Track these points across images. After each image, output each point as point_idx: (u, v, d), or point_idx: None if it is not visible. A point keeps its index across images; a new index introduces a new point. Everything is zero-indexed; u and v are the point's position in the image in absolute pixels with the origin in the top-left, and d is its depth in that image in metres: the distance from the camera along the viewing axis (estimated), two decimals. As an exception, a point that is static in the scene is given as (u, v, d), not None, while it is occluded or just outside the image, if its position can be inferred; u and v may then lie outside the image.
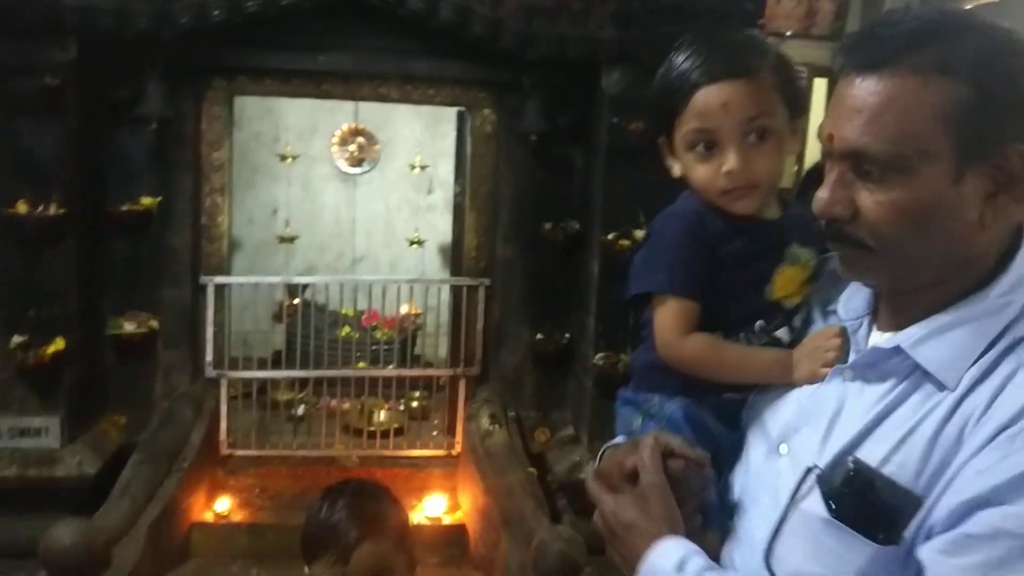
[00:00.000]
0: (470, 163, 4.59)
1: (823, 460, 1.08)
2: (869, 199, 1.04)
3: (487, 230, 4.59)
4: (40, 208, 3.83)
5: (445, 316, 5.06)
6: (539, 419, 4.62)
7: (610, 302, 4.19)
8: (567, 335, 4.53)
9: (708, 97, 1.32)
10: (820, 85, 7.72)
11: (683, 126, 1.37)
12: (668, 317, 1.39)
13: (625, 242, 4.11)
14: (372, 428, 4.84)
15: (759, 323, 1.36)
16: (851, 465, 1.04)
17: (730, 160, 1.32)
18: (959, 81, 0.99)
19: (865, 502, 1.01)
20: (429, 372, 5.14)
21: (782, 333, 1.36)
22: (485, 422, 4.42)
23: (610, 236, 4.14)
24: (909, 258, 1.05)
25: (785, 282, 1.36)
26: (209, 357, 4.41)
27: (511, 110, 4.43)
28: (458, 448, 4.64)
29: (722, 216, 1.38)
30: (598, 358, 4.20)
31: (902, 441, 1.02)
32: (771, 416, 1.26)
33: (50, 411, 4.00)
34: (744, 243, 1.37)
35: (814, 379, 1.22)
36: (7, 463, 3.94)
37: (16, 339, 3.89)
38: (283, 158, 5.53)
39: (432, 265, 6.17)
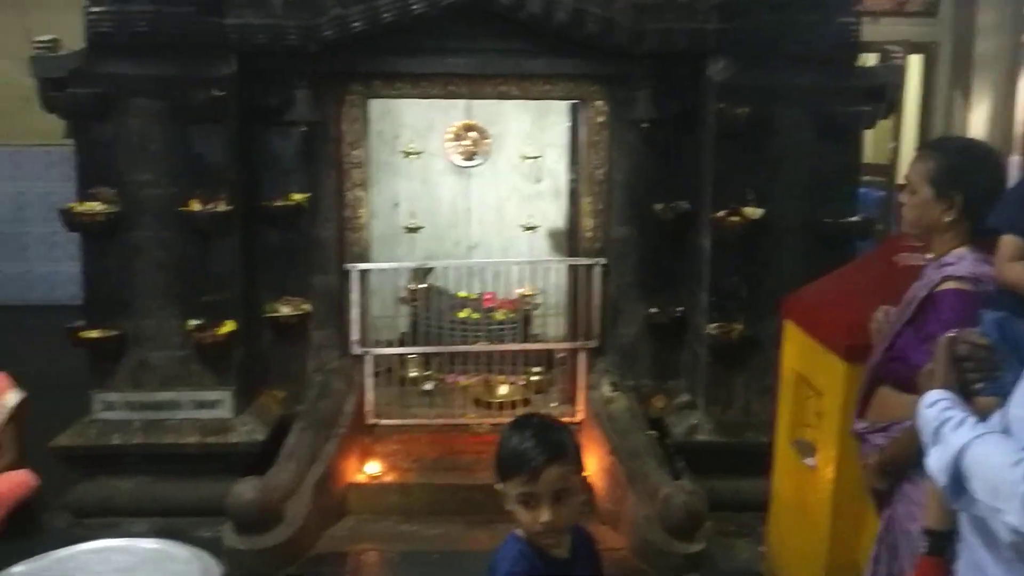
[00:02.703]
0: (584, 151, 4.95)
1: None
2: None
3: (601, 213, 4.94)
4: (210, 205, 4.34)
5: (560, 296, 5.43)
6: (655, 387, 4.97)
7: (723, 275, 4.51)
8: (680, 308, 4.85)
9: None
10: (915, 61, 7.85)
11: None
12: (1003, 247, 1.96)
13: (735, 219, 4.41)
14: (497, 400, 5.27)
15: None
16: None
17: None
18: None
19: None
20: (552, 345, 5.53)
21: None
22: (606, 390, 4.78)
23: (720, 214, 4.45)
24: None
25: None
26: (355, 336, 4.87)
27: (622, 100, 4.77)
28: (580, 415, 5.01)
29: None
30: (712, 328, 4.52)
31: None
32: None
33: (223, 385, 4.53)
34: None
35: None
36: (189, 431, 4.48)
37: (192, 322, 4.42)
38: (406, 154, 5.98)
39: (542, 249, 6.54)
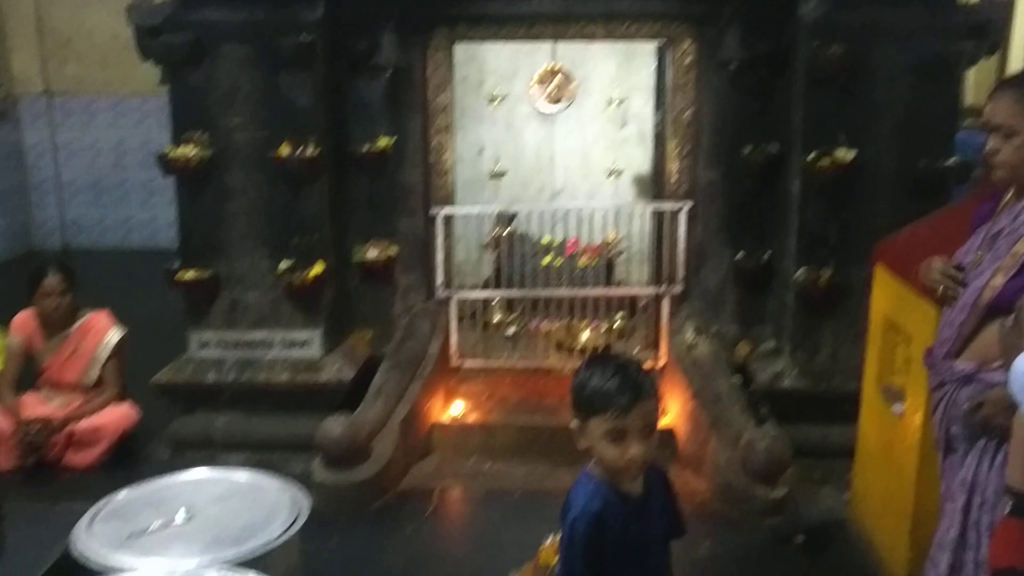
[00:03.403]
0: (670, 94, 4.87)
1: None
2: None
3: (688, 156, 4.86)
4: (299, 150, 4.42)
5: (644, 241, 5.37)
6: (740, 333, 4.90)
7: (812, 219, 4.41)
8: (767, 253, 4.77)
9: None
10: (1023, -2, 7.44)
11: None
12: None
13: (826, 162, 4.29)
14: (579, 347, 5.28)
15: None
16: None
17: None
18: None
19: None
20: (635, 291, 5.51)
21: None
22: (690, 335, 4.75)
23: (810, 157, 4.33)
24: None
25: None
26: (440, 279, 4.94)
27: (710, 41, 4.66)
28: (663, 360, 5.00)
29: None
30: (799, 273, 4.43)
31: None
32: None
33: (312, 326, 4.65)
34: None
35: None
36: (280, 370, 4.62)
37: (283, 264, 4.53)
38: (491, 100, 5.98)
39: (626, 195, 6.49)
